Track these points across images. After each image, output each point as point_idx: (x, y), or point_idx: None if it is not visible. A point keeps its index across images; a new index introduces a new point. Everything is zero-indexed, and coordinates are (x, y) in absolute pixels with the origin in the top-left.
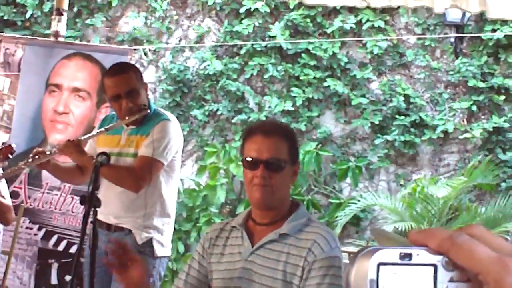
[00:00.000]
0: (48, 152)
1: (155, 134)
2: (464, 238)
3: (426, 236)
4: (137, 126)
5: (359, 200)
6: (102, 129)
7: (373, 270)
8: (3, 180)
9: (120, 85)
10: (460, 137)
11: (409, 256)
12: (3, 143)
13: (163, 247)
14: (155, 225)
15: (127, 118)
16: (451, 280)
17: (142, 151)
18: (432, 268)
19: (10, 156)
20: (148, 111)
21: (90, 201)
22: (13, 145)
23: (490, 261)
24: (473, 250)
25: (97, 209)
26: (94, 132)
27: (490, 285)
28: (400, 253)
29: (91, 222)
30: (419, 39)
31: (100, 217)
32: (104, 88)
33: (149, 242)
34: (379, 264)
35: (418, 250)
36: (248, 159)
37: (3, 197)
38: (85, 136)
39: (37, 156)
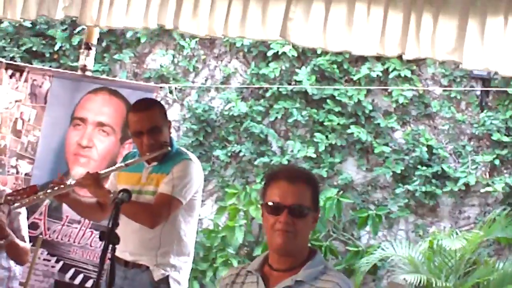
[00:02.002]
0: (67, 183)
1: (175, 173)
2: None
3: None
4: (158, 164)
5: (377, 250)
6: (122, 164)
7: None
8: (24, 219)
9: (143, 121)
10: (482, 190)
11: None
12: (26, 174)
13: (179, 285)
14: (172, 263)
15: (147, 154)
16: None
17: (161, 188)
18: None
19: (34, 197)
20: (169, 148)
21: (109, 237)
22: (37, 186)
23: None
24: None
25: (116, 245)
26: (114, 167)
27: None
28: None
29: (109, 258)
30: (445, 90)
31: (117, 253)
32: (128, 123)
33: (165, 280)
34: None
35: None
36: (271, 203)
37: (22, 238)
38: (105, 170)
39: (56, 187)
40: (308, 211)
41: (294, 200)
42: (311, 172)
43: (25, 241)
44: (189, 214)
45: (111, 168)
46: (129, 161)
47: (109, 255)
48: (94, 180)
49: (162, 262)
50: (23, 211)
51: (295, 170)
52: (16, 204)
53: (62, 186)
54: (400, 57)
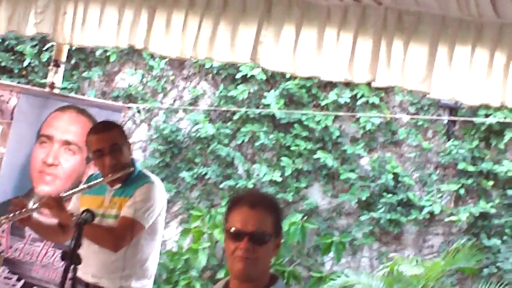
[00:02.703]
0: (29, 207)
1: (138, 196)
2: None
3: None
4: (120, 187)
5: (340, 276)
6: (85, 185)
7: None
8: None
9: (104, 140)
10: (446, 219)
11: None
12: None
13: None
14: (134, 287)
15: (110, 175)
16: None
17: (123, 211)
18: None
19: None
20: (132, 169)
21: (71, 258)
22: None
23: None
24: None
25: (77, 266)
26: (76, 189)
27: None
28: None
29: (70, 279)
30: (412, 118)
31: (79, 274)
32: (87, 144)
33: None
34: None
35: None
36: (232, 230)
37: None
38: (67, 193)
39: (17, 212)
40: (269, 238)
41: (255, 227)
42: (274, 197)
43: None
44: (152, 237)
45: (73, 190)
46: (92, 182)
47: (70, 275)
48: (56, 203)
49: (124, 285)
50: None
51: (258, 196)
52: None
53: (24, 210)
54: (368, 84)
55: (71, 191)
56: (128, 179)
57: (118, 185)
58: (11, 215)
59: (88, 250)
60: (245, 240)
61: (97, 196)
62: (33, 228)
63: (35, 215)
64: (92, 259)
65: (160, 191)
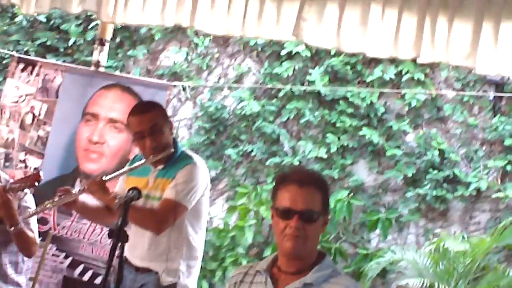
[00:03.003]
0: (73, 192)
1: (180, 178)
2: None
3: None
4: (163, 168)
5: (387, 253)
6: (126, 169)
7: None
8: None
9: (143, 122)
10: (493, 196)
11: None
12: (35, 169)
13: None
14: (181, 269)
15: (151, 157)
16: None
17: (166, 193)
18: None
19: (37, 183)
20: (173, 150)
21: (118, 236)
22: (41, 173)
23: None
24: None
25: (124, 244)
26: (118, 172)
27: None
28: None
29: (117, 256)
30: (458, 94)
31: (128, 257)
32: (128, 126)
33: (173, 286)
34: None
35: None
36: (282, 208)
37: (31, 230)
38: (109, 176)
39: (62, 195)
40: (318, 216)
41: (305, 205)
42: (321, 175)
43: (33, 233)
44: (196, 218)
45: (115, 174)
46: (133, 165)
47: (118, 253)
48: (99, 186)
49: (171, 267)
50: (32, 205)
51: (306, 174)
52: (26, 214)
53: (68, 193)
54: (414, 60)
55: (113, 174)
56: (171, 160)
57: (161, 166)
58: (56, 199)
59: (135, 234)
60: (295, 219)
61: (142, 178)
62: (80, 211)
63: (81, 198)
64: (139, 243)
65: (202, 172)
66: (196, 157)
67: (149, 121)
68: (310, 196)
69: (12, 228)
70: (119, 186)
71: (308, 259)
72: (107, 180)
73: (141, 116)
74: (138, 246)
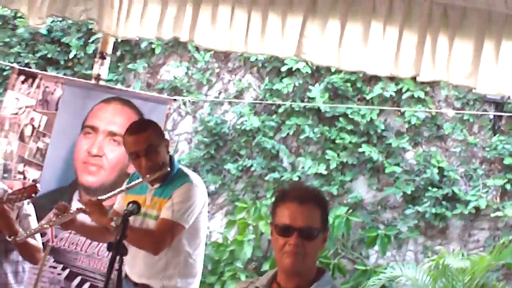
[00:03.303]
0: (70, 212)
1: (176, 198)
2: None
3: None
4: (160, 187)
5: (386, 269)
6: (122, 187)
7: None
8: (34, 221)
9: (139, 143)
10: (492, 214)
11: None
12: (33, 180)
13: None
14: (179, 286)
15: (147, 176)
16: None
17: (162, 213)
18: None
19: (34, 195)
20: (168, 169)
21: (117, 249)
22: (38, 185)
23: None
24: None
25: (123, 257)
26: (115, 191)
27: None
28: None
29: (116, 269)
30: (457, 113)
31: (128, 273)
32: (124, 145)
33: None
34: None
35: None
36: (281, 225)
37: (34, 238)
38: (106, 196)
39: (59, 215)
40: (318, 233)
41: (304, 223)
42: (321, 192)
43: (36, 240)
44: (194, 236)
45: (111, 193)
46: (130, 184)
47: (116, 266)
48: (97, 207)
49: (169, 285)
50: (32, 213)
51: (305, 191)
52: (23, 234)
53: (66, 212)
54: (414, 78)
55: (109, 194)
56: (167, 178)
57: (158, 185)
58: (54, 219)
59: (133, 251)
60: (295, 236)
61: (139, 196)
62: (78, 231)
63: (80, 217)
64: (137, 260)
65: (199, 190)
66: (193, 175)
67: (144, 141)
68: (309, 213)
69: (12, 238)
70: (118, 204)
71: (307, 276)
72: (104, 199)
73: (136, 136)
74: (136, 264)
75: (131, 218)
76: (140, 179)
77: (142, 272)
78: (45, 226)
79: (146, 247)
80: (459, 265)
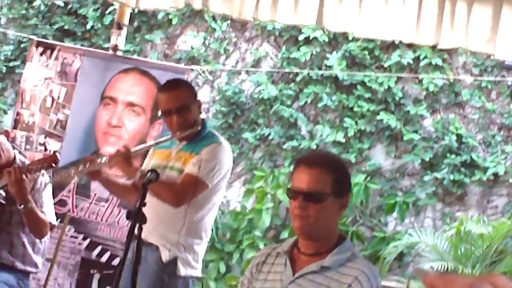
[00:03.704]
0: (98, 161)
1: (204, 155)
2: None
3: (444, 283)
4: (188, 143)
5: (405, 236)
6: (152, 142)
7: None
8: (49, 193)
9: (171, 101)
10: (511, 180)
11: None
12: (54, 152)
13: (189, 267)
14: (183, 244)
15: (178, 133)
16: None
17: (188, 168)
18: None
19: (54, 165)
20: (199, 128)
21: (136, 217)
22: (58, 155)
23: None
24: None
25: (143, 225)
26: (144, 145)
27: None
28: None
29: (135, 237)
30: (475, 80)
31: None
32: (157, 102)
33: (173, 261)
34: None
35: None
36: (291, 189)
37: (43, 212)
38: (136, 148)
39: (87, 164)
40: (325, 197)
41: (309, 186)
42: (337, 157)
43: (45, 215)
44: (212, 198)
45: (142, 146)
46: (160, 139)
47: (136, 234)
48: (124, 157)
49: (172, 241)
50: (49, 187)
51: (319, 155)
52: (50, 176)
53: (93, 162)
54: (431, 45)
55: (139, 147)
56: (197, 137)
57: (186, 142)
58: (81, 167)
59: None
60: (300, 199)
61: (166, 150)
62: (104, 183)
63: (106, 171)
64: (148, 213)
65: (227, 153)
66: (222, 138)
67: (176, 98)
68: (316, 177)
69: (22, 206)
70: (145, 164)
71: (326, 241)
72: (134, 152)
73: (169, 94)
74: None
75: None
76: (170, 135)
77: (149, 226)
78: (72, 173)
79: (167, 199)
80: (480, 231)
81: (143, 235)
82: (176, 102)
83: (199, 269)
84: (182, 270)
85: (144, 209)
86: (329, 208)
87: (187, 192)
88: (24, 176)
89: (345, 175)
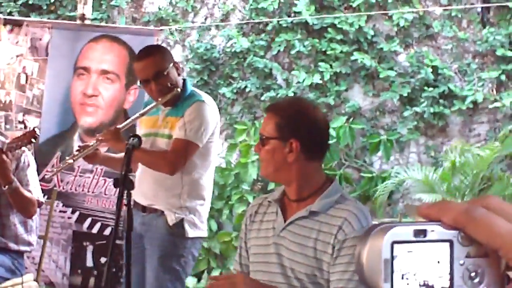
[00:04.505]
0: (90, 144)
1: (187, 116)
2: (481, 212)
3: (440, 210)
4: (172, 107)
5: (393, 175)
6: (137, 114)
7: (387, 249)
8: (33, 173)
9: (147, 69)
10: (490, 106)
11: (423, 232)
12: (34, 128)
13: (196, 228)
14: (187, 206)
15: (159, 100)
16: (468, 256)
17: (175, 133)
18: (447, 244)
19: (33, 140)
20: (179, 90)
21: (124, 184)
22: (37, 130)
23: (511, 235)
24: (491, 224)
25: (131, 191)
26: (130, 119)
27: (511, 261)
28: (414, 230)
29: (125, 204)
30: (445, 10)
31: (135, 198)
32: (134, 72)
33: (180, 223)
34: (393, 243)
35: (432, 226)
36: None
37: (29, 191)
38: (123, 124)
39: (80, 150)
40: (268, 140)
41: (261, 130)
42: (296, 101)
43: (31, 193)
44: (205, 157)
45: (127, 121)
46: (144, 110)
47: (125, 201)
48: (113, 135)
49: (177, 205)
50: (32, 163)
51: (277, 102)
52: (53, 171)
53: (86, 147)
54: None
55: (126, 122)
56: (179, 100)
57: (171, 107)
58: (76, 153)
59: (143, 173)
60: (257, 143)
61: (152, 117)
62: (103, 163)
63: (102, 150)
64: (145, 181)
65: (211, 109)
66: (205, 95)
67: (151, 65)
68: (266, 121)
69: (6, 187)
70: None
71: (304, 185)
72: (121, 128)
73: (143, 62)
74: (145, 184)
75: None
76: (153, 104)
77: (149, 192)
78: (69, 161)
79: (161, 168)
80: (474, 163)
81: (145, 201)
82: (151, 70)
83: (205, 229)
84: (190, 232)
85: (143, 178)
86: (277, 151)
87: (179, 157)
88: (5, 156)
89: (291, 119)
